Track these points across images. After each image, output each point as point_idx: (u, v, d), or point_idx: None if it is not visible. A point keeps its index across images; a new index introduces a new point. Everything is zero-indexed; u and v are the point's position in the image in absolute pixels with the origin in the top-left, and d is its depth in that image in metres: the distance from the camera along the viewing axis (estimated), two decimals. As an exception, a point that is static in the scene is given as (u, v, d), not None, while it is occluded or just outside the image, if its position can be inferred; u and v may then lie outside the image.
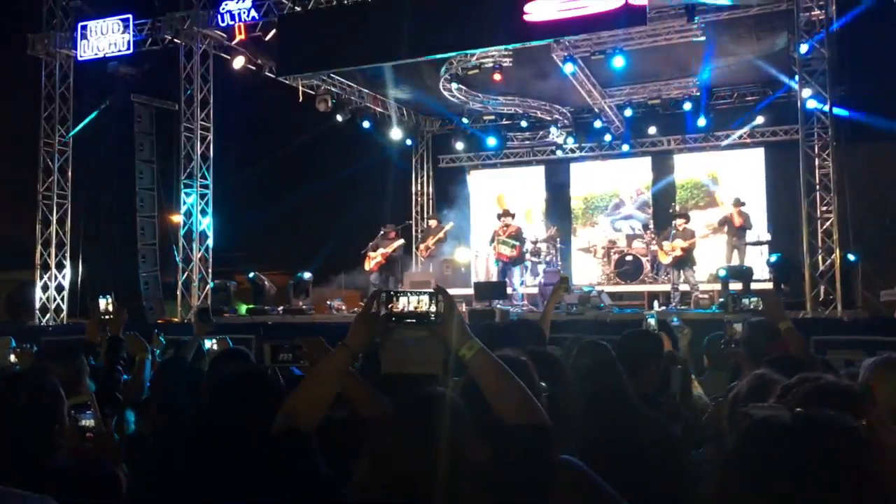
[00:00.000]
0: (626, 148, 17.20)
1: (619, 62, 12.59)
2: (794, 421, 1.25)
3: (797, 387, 1.78)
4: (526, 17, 11.01)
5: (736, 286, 11.23)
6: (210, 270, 13.61)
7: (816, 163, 10.85)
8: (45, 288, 14.43)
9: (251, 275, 14.82)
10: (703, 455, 3.04)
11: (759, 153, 16.52)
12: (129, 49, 13.61)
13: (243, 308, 14.94)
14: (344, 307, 14.04)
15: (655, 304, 12.94)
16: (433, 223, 15.75)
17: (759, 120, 15.88)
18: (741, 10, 11.66)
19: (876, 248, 12.22)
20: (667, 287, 13.55)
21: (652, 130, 16.73)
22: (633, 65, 13.08)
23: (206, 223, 13.61)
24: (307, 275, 14.62)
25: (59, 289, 14.51)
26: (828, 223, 10.71)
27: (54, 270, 14.47)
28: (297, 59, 13.19)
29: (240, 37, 13.20)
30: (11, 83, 16.04)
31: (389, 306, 2.09)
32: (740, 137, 16.52)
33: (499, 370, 2.03)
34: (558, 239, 15.30)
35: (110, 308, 4.23)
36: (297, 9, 12.76)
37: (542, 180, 18.45)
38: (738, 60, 13.86)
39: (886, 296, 11.06)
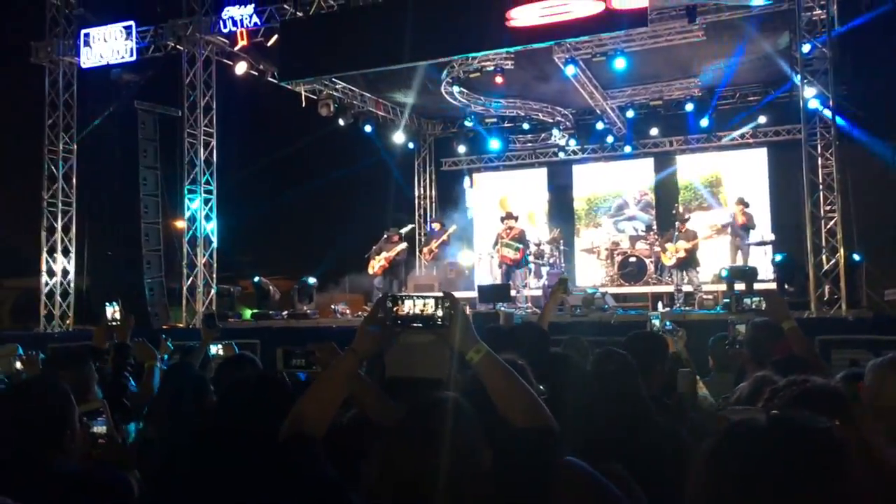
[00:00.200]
0: (628, 149, 17.20)
1: (620, 64, 12.60)
2: (769, 423, 1.27)
3: (785, 390, 1.80)
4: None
5: (740, 286, 11.23)
6: (215, 276, 13.64)
7: (819, 162, 10.86)
8: (51, 294, 14.48)
9: (256, 279, 14.86)
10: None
11: (762, 153, 16.52)
12: (132, 56, 13.66)
13: (248, 313, 14.98)
14: (348, 311, 14.07)
15: (660, 305, 12.94)
16: (436, 226, 15.78)
17: (762, 120, 15.88)
18: (742, 11, 11.66)
19: (880, 248, 12.22)
20: (671, 288, 13.55)
21: (654, 132, 16.73)
22: (634, 66, 13.09)
23: (210, 228, 13.65)
24: (312, 280, 14.65)
25: (65, 295, 14.55)
26: (832, 222, 10.70)
27: (59, 277, 14.51)
28: (299, 64, 13.22)
29: (242, 42, 13.25)
30: (15, 91, 16.09)
31: (395, 310, 2.09)
32: (743, 137, 16.53)
33: (506, 373, 2.04)
34: (561, 241, 15.31)
35: (117, 315, 4.26)
36: (299, 14, 12.80)
37: (545, 182, 18.46)
38: (740, 61, 13.86)
39: (891, 295, 11.07)
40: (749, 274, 11.72)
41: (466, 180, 18.96)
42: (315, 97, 14.78)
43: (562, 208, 18.02)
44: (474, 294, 13.54)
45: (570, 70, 13.22)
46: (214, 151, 13.71)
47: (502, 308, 11.72)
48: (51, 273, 14.52)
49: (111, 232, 16.01)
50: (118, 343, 4.12)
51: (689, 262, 12.66)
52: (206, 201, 13.58)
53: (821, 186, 10.81)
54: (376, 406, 2.51)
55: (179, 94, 13.58)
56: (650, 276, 14.45)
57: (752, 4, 11.39)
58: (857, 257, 11.53)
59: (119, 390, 3.89)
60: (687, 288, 12.81)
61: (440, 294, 2.10)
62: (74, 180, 14.75)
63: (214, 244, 13.65)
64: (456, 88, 14.92)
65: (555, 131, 16.85)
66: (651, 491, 2.19)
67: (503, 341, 3.74)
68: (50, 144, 14.60)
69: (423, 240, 17.77)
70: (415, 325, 2.05)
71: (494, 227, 14.83)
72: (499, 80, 13.34)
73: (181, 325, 13.22)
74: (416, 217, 19.19)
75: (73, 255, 14.68)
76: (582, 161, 18.08)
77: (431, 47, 11.90)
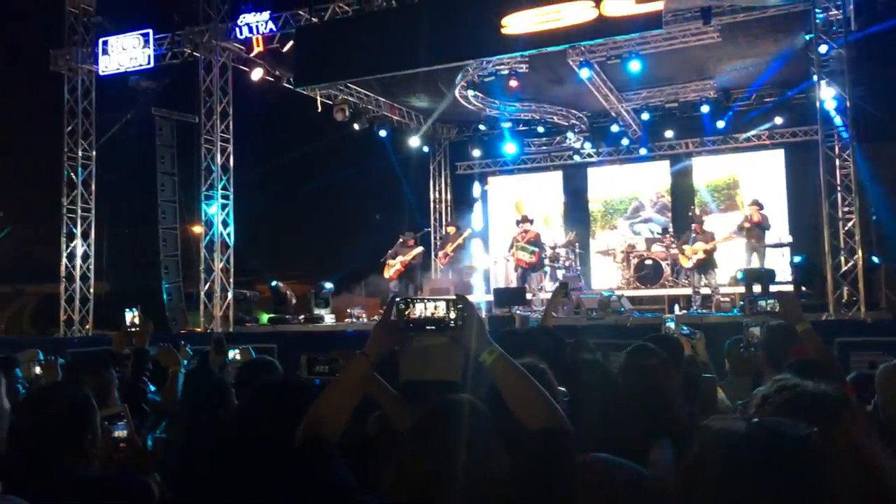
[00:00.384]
0: (643, 152, 17.14)
1: (635, 66, 12.58)
2: (748, 431, 1.28)
3: (774, 396, 1.80)
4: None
5: (756, 289, 11.17)
6: (231, 280, 13.72)
7: (837, 163, 10.79)
8: (70, 300, 14.61)
9: (273, 284, 14.94)
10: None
11: (780, 154, 16.41)
12: (149, 63, 13.77)
13: (265, 317, 15.06)
14: (364, 315, 14.12)
15: (676, 307, 12.90)
16: (451, 230, 15.79)
17: (779, 121, 15.79)
18: (758, 11, 11.61)
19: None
20: (687, 291, 13.50)
21: (669, 134, 16.67)
22: (649, 68, 13.06)
23: (227, 233, 13.73)
24: (328, 285, 14.73)
25: (84, 301, 14.68)
26: (850, 224, 10.63)
27: (79, 282, 14.65)
28: (314, 69, 13.31)
29: (258, 49, 13.34)
30: (35, 99, 16.29)
31: (407, 313, 2.11)
32: (759, 139, 16.44)
33: (519, 375, 2.05)
34: (577, 244, 15.30)
35: (136, 320, 4.30)
36: (314, 20, 12.88)
37: (560, 186, 18.43)
38: (756, 62, 13.81)
39: (910, 296, 10.97)
40: (765, 276, 11.65)
41: (476, 187, 18.95)
42: (330, 102, 14.85)
43: (577, 211, 17.98)
44: (490, 297, 13.56)
45: (584, 73, 13.22)
46: (231, 157, 13.81)
47: (518, 311, 11.74)
48: (70, 278, 14.66)
49: (130, 237, 16.15)
50: (137, 348, 4.16)
51: (707, 263, 12.60)
52: (223, 206, 13.68)
53: (838, 187, 10.74)
54: (395, 409, 2.52)
55: (196, 100, 13.68)
56: (666, 278, 14.40)
57: (768, 4, 11.34)
58: (876, 260, 11.45)
59: (138, 395, 3.93)
60: (705, 290, 12.74)
61: (453, 297, 2.11)
62: (93, 187, 14.89)
63: (231, 249, 13.73)
64: (470, 92, 14.93)
65: (570, 134, 16.82)
66: None
67: (519, 344, 3.76)
68: (69, 151, 14.76)
69: (438, 243, 17.78)
70: (428, 327, 2.06)
71: (510, 231, 14.83)
72: (513, 83, 13.34)
73: (199, 330, 13.30)
74: (432, 221, 19.21)
75: (92, 260, 14.82)
76: (597, 164, 18.03)
77: (440, 52, 11.99)
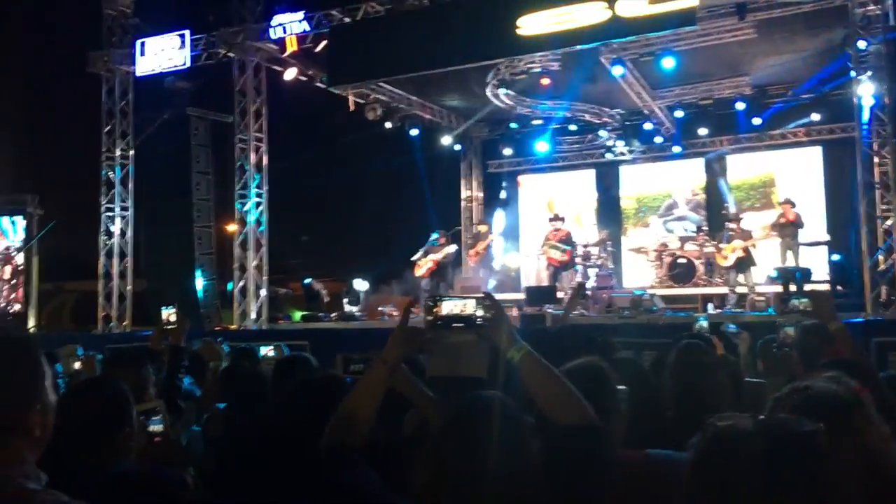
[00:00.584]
0: (677, 149, 16.96)
1: (668, 63, 12.46)
2: (754, 428, 1.29)
3: (786, 398, 1.80)
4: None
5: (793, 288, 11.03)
6: (265, 278, 13.85)
7: (875, 160, 10.62)
8: (108, 297, 14.88)
9: (306, 282, 15.08)
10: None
11: (817, 152, 16.17)
12: (185, 64, 13.96)
13: (297, 315, 15.20)
14: (396, 313, 14.18)
15: (710, 306, 12.77)
16: (483, 228, 15.80)
17: (815, 117, 15.56)
18: (794, 7, 11.45)
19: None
20: (720, 290, 13.35)
21: (703, 131, 16.48)
22: (683, 65, 12.93)
23: (260, 232, 13.86)
24: (361, 283, 14.81)
25: (122, 298, 14.94)
26: (888, 222, 10.46)
27: (116, 280, 14.90)
28: (347, 69, 13.39)
29: (291, 49, 13.45)
30: (74, 100, 16.60)
31: (436, 311, 2.13)
32: (795, 136, 16.21)
33: (547, 372, 2.06)
34: (609, 243, 15.21)
35: (172, 318, 4.38)
36: (347, 20, 12.97)
37: (593, 184, 18.34)
38: (792, 58, 13.62)
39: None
40: (796, 275, 11.49)
41: (503, 194, 18.94)
42: (362, 101, 14.92)
43: (609, 209, 17.87)
44: (521, 296, 13.55)
45: (617, 70, 13.11)
46: (265, 156, 13.94)
47: (549, 310, 11.71)
48: (108, 276, 14.92)
49: (165, 236, 16.39)
50: (173, 345, 4.24)
51: (746, 262, 12.45)
52: (257, 205, 13.81)
53: (876, 185, 10.57)
54: (431, 409, 2.54)
55: (231, 100, 13.86)
56: (700, 277, 14.26)
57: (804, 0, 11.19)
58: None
59: (174, 392, 4.00)
60: (741, 289, 12.59)
61: (480, 294, 2.13)
62: (131, 186, 15.15)
63: (265, 247, 13.87)
64: (502, 91, 14.90)
65: (602, 132, 16.73)
66: None
67: (549, 343, 3.77)
68: (107, 151, 15.03)
69: (469, 242, 17.79)
70: (455, 325, 2.08)
71: (541, 229, 14.80)
72: (545, 81, 13.30)
73: (233, 327, 13.47)
74: (463, 219, 19.22)
75: (129, 258, 15.08)
76: (630, 162, 17.89)
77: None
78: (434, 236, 14.33)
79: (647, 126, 16.33)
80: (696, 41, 12.48)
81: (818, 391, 1.80)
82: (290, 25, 13.19)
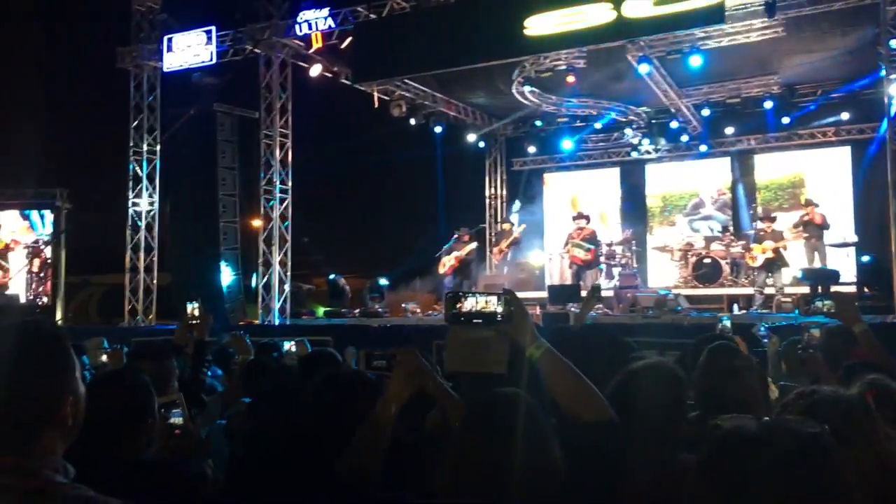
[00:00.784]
0: (703, 148, 16.82)
1: (696, 61, 12.33)
2: (759, 430, 1.29)
3: (793, 403, 1.79)
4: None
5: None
6: (289, 273, 13.92)
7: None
8: (135, 291, 15.04)
9: (331, 277, 15.13)
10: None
11: (846, 151, 15.97)
12: (212, 60, 14.06)
13: (321, 310, 15.28)
14: (419, 310, 14.21)
15: (735, 307, 12.66)
16: (506, 226, 15.78)
17: (845, 116, 15.35)
18: (824, 5, 11.30)
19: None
20: (746, 290, 13.23)
21: (730, 130, 16.33)
22: (710, 63, 12.82)
23: (285, 227, 13.92)
24: (384, 280, 14.87)
25: (147, 291, 15.09)
26: (918, 223, 10.27)
27: (143, 274, 15.06)
28: (372, 65, 13.42)
29: (317, 45, 13.49)
30: (101, 95, 16.79)
31: (458, 306, 2.14)
32: (825, 135, 16.02)
33: (567, 370, 2.06)
34: (633, 242, 15.13)
35: (196, 313, 4.41)
36: (372, 16, 12.99)
37: (617, 182, 18.24)
38: (822, 56, 13.45)
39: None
40: (825, 276, 11.34)
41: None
42: (387, 98, 14.95)
43: (634, 208, 17.77)
44: (544, 294, 13.51)
45: (643, 68, 13.02)
46: (290, 152, 14.01)
47: (572, 309, 11.67)
48: (135, 270, 15.09)
49: (191, 230, 16.52)
50: (197, 340, 4.28)
51: (776, 262, 12.32)
52: (282, 201, 13.88)
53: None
54: (453, 407, 2.53)
55: (256, 96, 13.93)
56: (725, 277, 14.14)
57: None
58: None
59: (198, 386, 4.04)
60: (769, 290, 12.47)
61: (501, 291, 2.14)
62: (157, 180, 15.30)
63: (289, 243, 13.94)
64: (527, 88, 14.85)
65: (628, 130, 16.63)
66: None
67: (570, 342, 3.74)
68: (135, 146, 15.20)
69: (493, 239, 17.78)
70: (475, 321, 2.09)
71: (565, 227, 14.75)
72: (570, 79, 13.23)
73: (257, 322, 13.56)
74: (487, 216, 19.20)
75: (155, 252, 15.23)
76: (656, 160, 17.78)
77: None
78: (457, 234, 14.34)
79: (674, 124, 16.19)
80: (724, 39, 12.35)
81: (825, 396, 1.80)
82: (315, 22, 13.23)
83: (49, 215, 17.04)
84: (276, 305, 13.46)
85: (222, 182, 15.95)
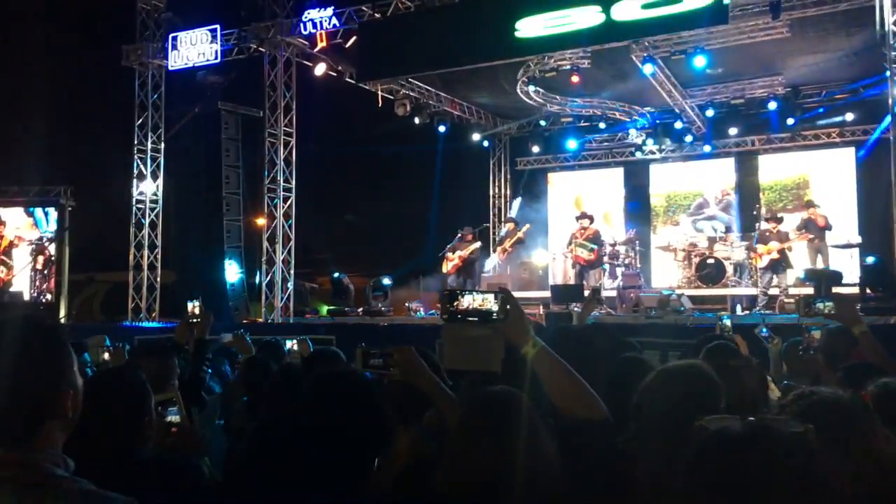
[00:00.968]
0: (707, 149, 16.80)
1: (700, 62, 12.32)
2: (743, 430, 1.29)
3: (791, 404, 1.78)
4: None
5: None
6: (293, 272, 13.94)
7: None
8: (138, 288, 15.08)
9: (336, 275, 15.13)
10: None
11: (850, 153, 15.93)
12: (216, 58, 14.09)
13: (324, 309, 15.28)
14: (422, 309, 14.21)
15: (738, 308, 12.65)
16: (510, 226, 15.77)
17: (849, 117, 15.33)
18: (829, 6, 11.27)
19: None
20: (749, 291, 13.20)
21: (734, 131, 16.31)
22: (715, 64, 12.80)
23: (288, 226, 13.95)
24: (387, 280, 14.88)
25: (151, 289, 15.13)
26: (921, 225, 10.25)
27: (147, 272, 15.10)
28: (377, 64, 13.45)
29: (321, 44, 13.52)
30: (106, 93, 16.82)
31: (456, 304, 2.14)
32: (829, 136, 15.99)
33: (561, 368, 2.07)
34: (637, 242, 15.12)
35: (196, 311, 4.42)
36: (377, 16, 13.00)
37: (621, 182, 18.23)
38: (826, 57, 13.42)
39: None
40: (827, 277, 11.32)
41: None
42: (392, 97, 14.96)
43: (638, 207, 17.76)
44: (547, 294, 13.50)
45: (648, 69, 13.01)
46: (294, 150, 14.03)
47: (575, 308, 11.66)
48: (138, 268, 15.13)
49: (195, 228, 16.56)
50: (197, 338, 4.28)
51: (781, 263, 12.30)
52: (286, 199, 13.90)
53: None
54: (450, 408, 2.54)
55: (261, 94, 13.95)
56: (729, 278, 14.12)
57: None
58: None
59: (198, 384, 4.05)
60: (773, 291, 12.45)
61: (497, 290, 2.14)
62: (161, 178, 15.33)
63: (293, 241, 13.96)
64: (531, 88, 14.85)
65: (632, 130, 16.62)
66: None
67: (573, 341, 3.74)
68: (139, 144, 15.23)
69: (497, 238, 17.78)
70: (471, 318, 2.10)
71: (569, 227, 14.74)
72: (575, 79, 13.23)
73: (260, 320, 13.58)
74: (491, 216, 19.21)
75: (159, 250, 15.26)
76: (660, 161, 17.76)
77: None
78: (460, 233, 14.35)
79: (678, 125, 16.16)
80: (728, 40, 12.33)
81: (823, 397, 1.79)
82: (320, 20, 13.25)
83: (53, 213, 17.08)
84: (280, 304, 13.49)
85: (226, 180, 15.99)
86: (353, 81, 14.20)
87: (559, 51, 12.44)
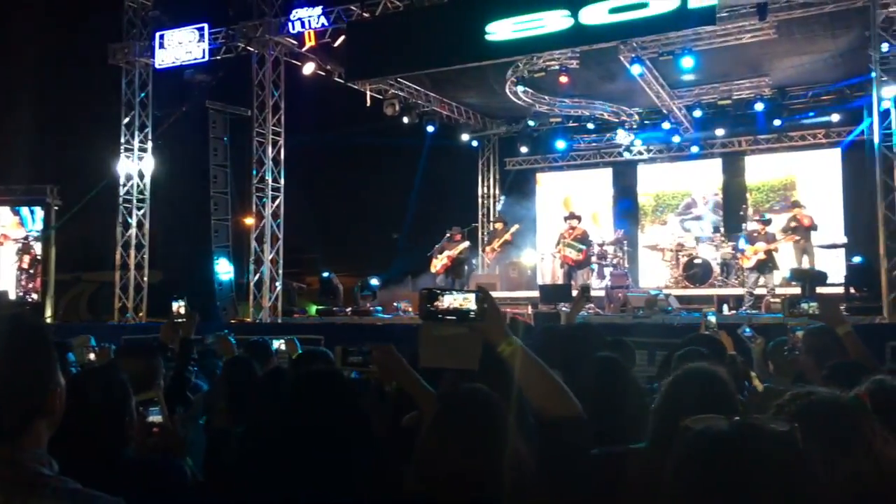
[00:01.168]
0: (695, 149, 16.89)
1: (687, 62, 12.37)
2: (730, 429, 1.29)
3: (788, 405, 1.78)
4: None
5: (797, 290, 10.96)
6: (281, 272, 13.90)
7: (895, 163, 10.49)
8: (125, 288, 15.00)
9: (325, 275, 15.10)
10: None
11: (836, 154, 16.04)
12: (204, 57, 14.03)
13: (313, 309, 15.26)
14: (410, 309, 14.20)
15: (725, 307, 12.70)
16: (499, 226, 15.79)
17: (835, 119, 15.42)
18: (815, 8, 11.34)
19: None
20: (736, 291, 13.27)
21: (721, 132, 16.38)
22: (702, 65, 12.86)
23: (277, 225, 13.91)
24: (375, 280, 14.87)
25: (138, 289, 15.05)
26: (907, 225, 10.32)
27: (133, 271, 15.02)
28: (365, 64, 13.44)
29: (310, 43, 13.50)
30: (93, 91, 16.72)
31: (435, 304, 2.15)
32: (815, 137, 16.08)
33: (536, 367, 2.07)
34: (625, 242, 15.17)
35: (181, 311, 4.41)
36: (366, 15, 12.99)
37: (610, 182, 18.28)
38: (813, 59, 13.50)
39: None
40: (813, 277, 11.39)
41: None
42: (380, 97, 14.95)
43: (626, 207, 17.81)
44: (536, 294, 13.52)
45: (636, 69, 13.05)
46: (282, 150, 13.99)
47: (564, 309, 11.68)
48: (125, 267, 15.04)
49: (183, 228, 16.49)
50: (182, 338, 4.27)
51: (768, 264, 12.36)
52: (274, 198, 13.86)
53: (895, 188, 10.44)
54: (430, 407, 2.55)
55: (249, 94, 13.91)
56: (716, 277, 14.18)
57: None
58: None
59: (183, 384, 4.03)
60: (759, 291, 12.51)
61: (475, 290, 2.15)
62: (149, 177, 15.25)
63: (281, 241, 13.92)
64: (520, 88, 14.87)
65: (620, 131, 16.66)
66: None
67: (560, 341, 3.76)
68: (126, 143, 15.14)
69: (485, 239, 17.80)
70: (448, 317, 2.10)
71: (558, 227, 14.77)
72: (563, 79, 13.26)
73: (248, 320, 13.53)
74: (480, 216, 19.22)
75: (146, 249, 15.19)
76: (648, 161, 17.84)
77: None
78: (449, 233, 14.36)
79: (666, 125, 16.22)
80: (715, 41, 12.39)
81: (821, 397, 1.79)
82: (308, 20, 13.23)
83: (39, 212, 16.98)
84: (268, 304, 13.45)
85: (214, 180, 15.95)
86: (341, 81, 14.18)
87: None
